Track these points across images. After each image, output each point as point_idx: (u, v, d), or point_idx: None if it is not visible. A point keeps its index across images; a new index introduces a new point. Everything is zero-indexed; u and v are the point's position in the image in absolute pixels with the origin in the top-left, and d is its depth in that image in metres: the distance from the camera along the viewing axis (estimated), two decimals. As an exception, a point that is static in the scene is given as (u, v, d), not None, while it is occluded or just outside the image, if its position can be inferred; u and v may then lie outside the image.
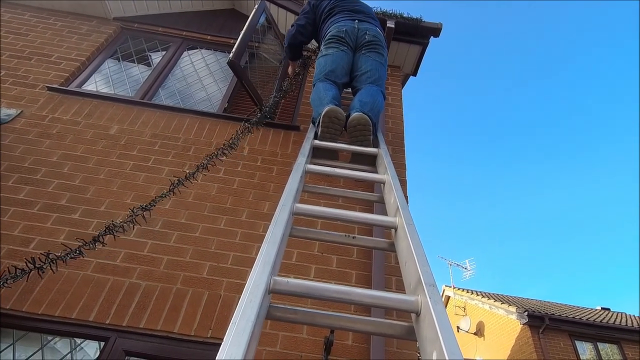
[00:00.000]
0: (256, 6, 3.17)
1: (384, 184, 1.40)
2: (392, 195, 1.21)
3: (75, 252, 1.65)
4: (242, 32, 2.80)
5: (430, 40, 3.65)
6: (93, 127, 2.80)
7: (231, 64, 2.55)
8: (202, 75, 3.58)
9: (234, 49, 2.59)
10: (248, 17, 3.08)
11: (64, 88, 3.02)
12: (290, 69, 3.12)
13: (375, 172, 1.73)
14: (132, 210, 1.81)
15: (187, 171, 2.11)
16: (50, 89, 2.99)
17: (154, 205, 1.91)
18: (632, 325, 8.95)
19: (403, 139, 3.16)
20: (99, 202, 2.38)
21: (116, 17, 3.78)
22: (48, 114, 2.82)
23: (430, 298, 0.70)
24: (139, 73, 3.48)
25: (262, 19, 3.26)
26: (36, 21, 3.59)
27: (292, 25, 2.79)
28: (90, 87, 3.25)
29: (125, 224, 1.78)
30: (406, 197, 2.63)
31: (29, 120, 2.76)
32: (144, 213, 1.84)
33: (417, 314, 0.74)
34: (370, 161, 1.79)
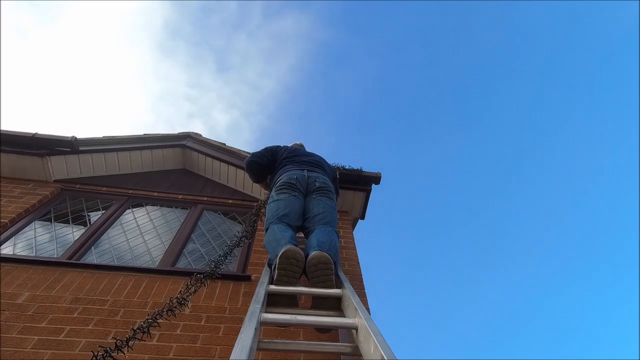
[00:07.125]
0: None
1: (356, 329, 1.17)
2: (370, 344, 0.99)
3: None
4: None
5: (372, 186, 3.95)
6: (-4, 297, 2.30)
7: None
8: (145, 230, 3.37)
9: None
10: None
11: (-29, 253, 2.60)
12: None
13: (343, 317, 1.50)
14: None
15: (116, 339, 1.66)
16: (-48, 255, 2.54)
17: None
18: None
19: (362, 280, 2.99)
20: (-27, 402, 1.73)
21: (57, 179, 3.69)
22: (-62, 286, 2.31)
23: None
24: (71, 233, 3.18)
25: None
26: (-39, 185, 3.35)
27: (249, 156, 2.95)
28: (6, 250, 2.84)
29: None
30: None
31: None
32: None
33: None
34: (334, 305, 1.57)
